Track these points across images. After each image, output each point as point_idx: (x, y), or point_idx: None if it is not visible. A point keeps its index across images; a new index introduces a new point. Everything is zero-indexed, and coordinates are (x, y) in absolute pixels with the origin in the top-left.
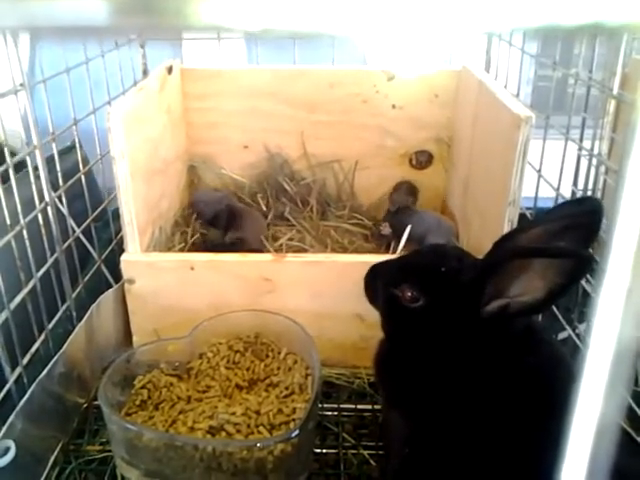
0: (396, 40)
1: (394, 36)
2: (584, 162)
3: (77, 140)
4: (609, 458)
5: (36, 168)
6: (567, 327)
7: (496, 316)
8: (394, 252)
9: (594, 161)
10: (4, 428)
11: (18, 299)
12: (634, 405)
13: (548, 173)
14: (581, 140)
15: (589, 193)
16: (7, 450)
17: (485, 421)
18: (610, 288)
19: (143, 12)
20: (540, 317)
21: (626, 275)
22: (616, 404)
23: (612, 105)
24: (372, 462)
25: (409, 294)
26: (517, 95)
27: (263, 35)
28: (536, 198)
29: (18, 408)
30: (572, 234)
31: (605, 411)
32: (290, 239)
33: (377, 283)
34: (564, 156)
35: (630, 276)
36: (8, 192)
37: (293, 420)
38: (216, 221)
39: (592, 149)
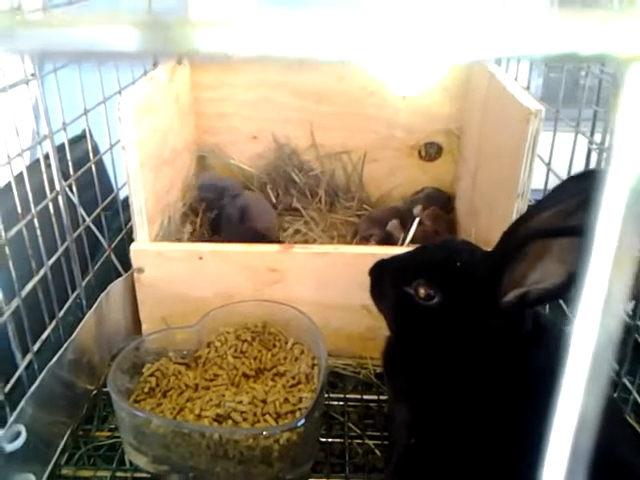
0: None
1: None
2: (594, 156)
3: (87, 129)
4: (589, 449)
5: (47, 157)
6: (572, 318)
7: (515, 306)
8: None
9: (604, 155)
10: (15, 413)
11: (29, 287)
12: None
13: (558, 165)
14: (592, 134)
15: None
16: (18, 435)
17: (494, 415)
18: (592, 278)
19: (155, 39)
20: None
21: (607, 265)
22: (596, 396)
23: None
24: (377, 452)
25: (423, 292)
26: (527, 87)
27: (266, 62)
28: (545, 191)
29: (29, 394)
30: (585, 211)
31: (586, 402)
32: (297, 230)
33: (384, 281)
34: (574, 149)
35: (611, 267)
36: (19, 181)
37: (299, 409)
38: (225, 211)
39: (603, 142)
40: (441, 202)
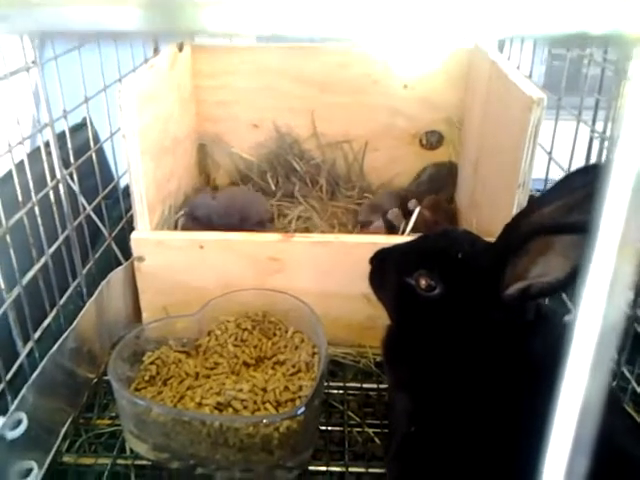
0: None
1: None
2: (596, 144)
3: (88, 117)
4: (592, 437)
5: (47, 145)
6: (573, 309)
7: (517, 299)
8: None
9: (606, 143)
10: (16, 401)
11: (30, 275)
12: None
13: (559, 154)
14: (594, 122)
15: None
16: (19, 422)
17: (494, 404)
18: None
19: (158, 18)
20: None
21: (612, 255)
22: (600, 384)
23: (626, 87)
24: (377, 440)
25: (424, 283)
26: (530, 75)
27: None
28: (546, 180)
29: (30, 382)
30: (588, 206)
31: (589, 391)
32: (298, 217)
33: (384, 270)
34: (575, 138)
35: (615, 257)
36: (20, 169)
37: (299, 397)
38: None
39: (604, 131)
40: (444, 179)
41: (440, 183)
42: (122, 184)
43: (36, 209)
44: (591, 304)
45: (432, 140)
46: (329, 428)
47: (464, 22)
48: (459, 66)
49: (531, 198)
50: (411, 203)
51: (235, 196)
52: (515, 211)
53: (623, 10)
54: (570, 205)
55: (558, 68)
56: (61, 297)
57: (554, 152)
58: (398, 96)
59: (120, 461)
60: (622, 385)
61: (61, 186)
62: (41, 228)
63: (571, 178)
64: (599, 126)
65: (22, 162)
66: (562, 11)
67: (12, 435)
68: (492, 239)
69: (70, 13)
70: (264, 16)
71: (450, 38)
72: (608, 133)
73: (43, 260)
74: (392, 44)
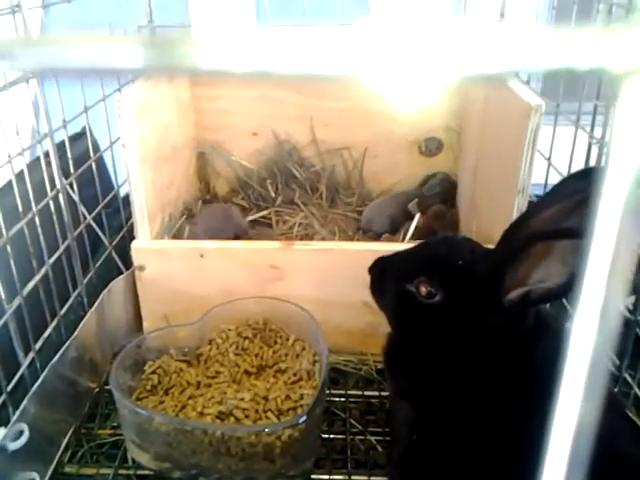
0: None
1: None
2: (595, 150)
3: (88, 127)
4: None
5: (47, 155)
6: (573, 314)
7: (517, 305)
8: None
9: (605, 149)
10: (18, 412)
11: (31, 285)
12: None
13: (558, 160)
14: (592, 128)
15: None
16: (21, 433)
17: (495, 412)
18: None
19: (158, 56)
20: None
21: (606, 262)
22: (595, 399)
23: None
24: (379, 448)
25: (425, 290)
26: (528, 82)
27: (266, 79)
28: (546, 185)
29: (31, 392)
30: (586, 209)
31: (585, 406)
32: (299, 223)
33: (385, 278)
34: (574, 144)
35: (610, 263)
36: (20, 179)
37: (301, 406)
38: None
39: (603, 137)
40: (453, 188)
41: (448, 191)
42: (122, 193)
43: (36, 219)
44: (587, 311)
45: (431, 147)
46: (331, 436)
47: (452, 59)
48: None
49: (530, 204)
50: (411, 204)
51: (208, 217)
52: (515, 216)
53: (609, 46)
54: (568, 210)
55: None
56: (62, 307)
57: (553, 158)
58: (397, 103)
59: (122, 471)
60: (624, 390)
61: (61, 196)
62: (41, 238)
63: (568, 182)
64: (598, 132)
65: (22, 172)
66: (548, 47)
67: (14, 446)
68: (492, 245)
69: (71, 52)
70: (260, 54)
71: (438, 74)
72: (607, 139)
73: (44, 270)
74: (389, 75)
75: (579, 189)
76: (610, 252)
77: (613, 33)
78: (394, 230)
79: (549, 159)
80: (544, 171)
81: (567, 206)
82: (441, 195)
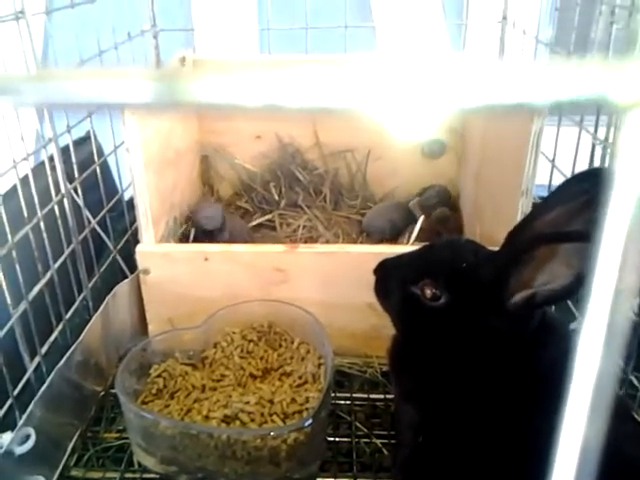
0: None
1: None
2: (599, 150)
3: (92, 131)
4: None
5: (51, 159)
6: (579, 317)
7: (522, 308)
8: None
9: (609, 150)
10: (24, 416)
11: (36, 290)
12: None
13: (561, 161)
14: (596, 129)
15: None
16: (27, 437)
17: (501, 416)
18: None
19: (165, 91)
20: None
21: (616, 262)
22: (601, 412)
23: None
24: (385, 451)
25: (430, 292)
26: None
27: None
28: (550, 187)
29: (37, 396)
30: (590, 212)
31: (591, 425)
32: (303, 226)
33: (389, 280)
34: (578, 145)
35: (619, 264)
36: (24, 184)
37: (306, 409)
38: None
39: (607, 138)
40: (449, 200)
41: (446, 202)
42: (126, 197)
43: (41, 224)
44: (595, 314)
45: (435, 149)
46: (337, 439)
47: (450, 91)
48: None
49: (534, 205)
50: (411, 203)
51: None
52: (519, 218)
53: (612, 79)
54: (572, 211)
55: None
56: (67, 311)
57: (557, 159)
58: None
59: (128, 475)
60: (630, 393)
61: (66, 200)
62: (46, 242)
63: (572, 184)
64: (601, 132)
65: (27, 177)
66: (551, 80)
67: (20, 450)
68: (496, 247)
69: (76, 87)
70: (266, 88)
71: (442, 107)
72: (610, 140)
73: (49, 275)
74: (392, 108)
75: (583, 191)
76: (620, 251)
77: (616, 66)
78: (395, 237)
79: (553, 161)
80: (548, 172)
81: (571, 208)
82: (440, 206)
